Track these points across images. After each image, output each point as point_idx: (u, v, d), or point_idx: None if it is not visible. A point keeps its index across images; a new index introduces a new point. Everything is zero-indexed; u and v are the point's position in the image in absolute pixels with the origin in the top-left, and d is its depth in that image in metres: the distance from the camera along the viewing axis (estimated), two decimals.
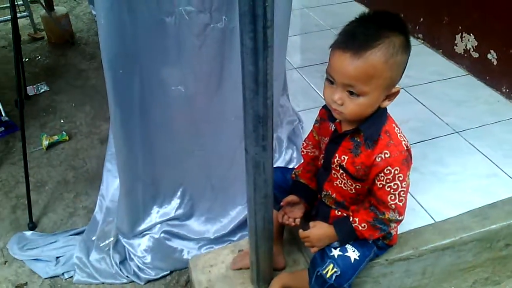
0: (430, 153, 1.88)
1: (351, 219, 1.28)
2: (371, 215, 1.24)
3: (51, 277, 1.84)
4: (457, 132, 2.00)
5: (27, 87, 3.01)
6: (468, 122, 2.05)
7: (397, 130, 1.20)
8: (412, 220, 1.58)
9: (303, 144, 1.49)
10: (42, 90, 3.04)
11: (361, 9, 3.11)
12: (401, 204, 1.21)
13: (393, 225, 1.26)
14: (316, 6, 3.30)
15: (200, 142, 1.74)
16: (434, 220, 1.60)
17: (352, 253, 1.30)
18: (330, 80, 1.13)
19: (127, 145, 1.67)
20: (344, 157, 1.25)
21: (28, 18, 3.77)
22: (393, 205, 1.20)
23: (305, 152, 1.48)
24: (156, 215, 1.85)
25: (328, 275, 1.27)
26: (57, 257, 1.88)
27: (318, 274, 1.29)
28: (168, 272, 1.82)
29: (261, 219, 1.31)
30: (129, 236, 1.84)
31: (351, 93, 1.10)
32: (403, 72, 1.14)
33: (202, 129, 1.71)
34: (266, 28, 0.95)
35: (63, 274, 1.84)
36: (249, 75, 1.03)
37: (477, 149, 1.90)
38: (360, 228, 1.26)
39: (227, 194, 1.87)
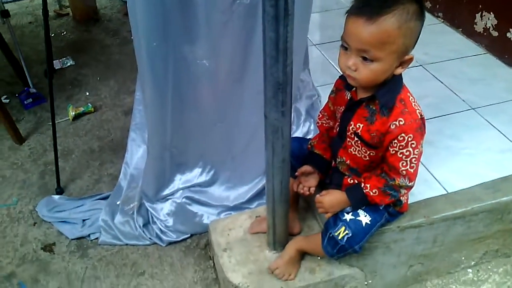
0: (446, 128, 1.91)
1: (362, 185, 1.33)
2: (382, 182, 1.30)
3: (77, 238, 1.95)
4: (473, 108, 2.03)
5: (54, 61, 3.10)
6: (484, 99, 2.08)
7: (411, 99, 1.25)
8: (424, 190, 1.63)
9: (318, 115, 1.54)
10: (68, 64, 3.14)
11: None
12: (412, 170, 1.25)
13: (403, 191, 1.31)
14: None
15: (223, 115, 1.80)
16: (447, 191, 1.65)
17: (364, 218, 1.36)
18: (344, 47, 1.18)
19: (158, 114, 1.75)
20: (359, 125, 1.29)
21: None
22: (404, 171, 1.25)
23: (320, 123, 1.53)
24: (178, 181, 1.93)
25: (340, 237, 1.34)
26: (84, 220, 1.98)
27: (331, 235, 1.36)
28: (189, 235, 1.91)
29: (278, 183, 1.38)
30: (152, 200, 1.93)
31: (364, 58, 1.14)
32: (417, 39, 1.17)
33: (224, 103, 1.77)
34: None
35: (89, 235, 1.94)
36: (270, 42, 1.08)
37: (492, 125, 1.93)
38: (371, 194, 1.31)
39: (247, 165, 1.93)
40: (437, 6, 2.76)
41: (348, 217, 1.36)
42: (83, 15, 3.76)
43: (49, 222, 2.02)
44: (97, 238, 1.93)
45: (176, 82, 1.67)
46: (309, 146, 1.54)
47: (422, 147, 1.25)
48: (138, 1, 1.46)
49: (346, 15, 1.16)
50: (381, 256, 1.59)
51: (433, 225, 1.56)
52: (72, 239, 1.94)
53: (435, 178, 1.70)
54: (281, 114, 1.21)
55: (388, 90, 1.22)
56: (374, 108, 1.25)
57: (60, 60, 3.16)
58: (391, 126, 1.21)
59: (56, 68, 3.08)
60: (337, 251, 1.36)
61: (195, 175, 1.94)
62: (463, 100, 2.08)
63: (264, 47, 1.11)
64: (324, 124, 1.52)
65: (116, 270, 1.82)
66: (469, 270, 1.78)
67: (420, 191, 1.61)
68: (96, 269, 1.83)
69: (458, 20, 2.63)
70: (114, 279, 1.79)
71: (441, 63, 2.36)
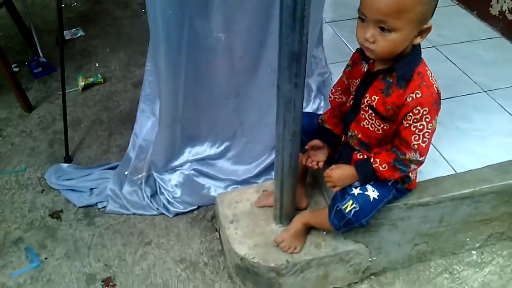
0: (457, 109, 1.90)
1: (372, 160, 1.33)
2: (392, 156, 1.29)
3: (85, 206, 1.97)
4: (485, 91, 2.01)
5: (64, 32, 3.08)
6: (497, 82, 2.06)
7: (429, 73, 1.24)
8: (433, 170, 1.62)
9: (331, 90, 1.54)
10: (78, 35, 3.13)
11: None
12: (423, 145, 1.24)
13: (413, 166, 1.30)
14: None
15: (236, 90, 1.79)
16: (455, 171, 1.64)
17: (372, 193, 1.36)
18: (362, 19, 1.16)
19: (170, 85, 1.74)
20: (374, 97, 1.28)
21: None
22: (415, 145, 1.24)
23: (332, 98, 1.53)
24: (188, 154, 1.94)
25: (347, 210, 1.34)
26: (91, 189, 1.99)
27: (338, 208, 1.36)
28: (196, 207, 1.93)
29: (288, 155, 1.38)
30: (161, 171, 1.94)
31: (382, 29, 1.13)
32: (435, 8, 1.15)
33: (239, 78, 1.76)
34: None
35: (96, 204, 1.96)
36: (287, 9, 1.07)
37: (504, 108, 1.91)
38: (380, 168, 1.31)
39: (256, 141, 1.93)
40: None
41: (356, 191, 1.36)
42: None
43: (57, 190, 2.04)
44: (104, 207, 1.95)
45: (190, 53, 1.65)
46: (320, 120, 1.54)
47: (436, 123, 1.24)
48: None
49: None
50: (387, 233, 1.59)
51: (440, 204, 1.56)
52: (79, 207, 1.96)
53: (444, 158, 1.69)
54: (294, 85, 1.21)
55: (406, 62, 1.21)
56: (391, 80, 1.24)
57: (70, 30, 3.15)
58: (408, 98, 1.20)
59: (66, 38, 3.07)
60: (344, 225, 1.37)
61: (205, 149, 1.95)
62: (475, 82, 2.07)
63: (281, 15, 1.10)
64: (336, 99, 1.51)
65: (123, 238, 1.84)
66: (474, 251, 1.79)
67: (429, 170, 1.61)
68: (103, 237, 1.85)
69: (474, 2, 2.59)
70: (120, 247, 1.81)
71: (455, 45, 2.33)
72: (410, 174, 1.41)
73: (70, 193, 2.00)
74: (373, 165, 1.32)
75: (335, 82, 1.52)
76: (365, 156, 1.39)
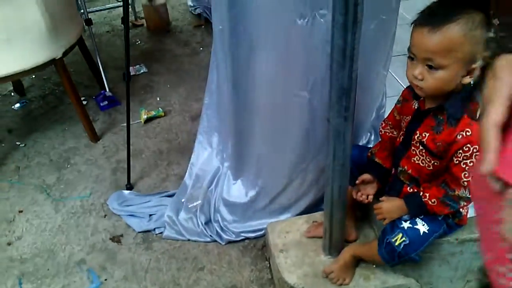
0: None
1: (421, 194, 1.35)
2: (442, 192, 1.31)
3: (144, 231, 2.07)
4: None
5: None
6: None
7: None
8: None
9: (381, 124, 1.57)
10: (141, 71, 3.33)
11: None
12: None
13: (462, 202, 1.32)
14: None
15: (313, 154, 1.79)
16: None
17: (422, 227, 1.38)
18: (411, 57, 1.22)
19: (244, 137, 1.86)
20: (425, 134, 1.31)
21: (130, 6, 4.10)
22: (465, 182, 1.25)
23: (383, 132, 1.56)
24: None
25: (396, 243, 1.36)
26: (150, 215, 2.10)
27: (387, 241, 1.38)
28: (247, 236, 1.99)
29: (337, 187, 1.43)
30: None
31: (430, 67, 1.17)
32: None
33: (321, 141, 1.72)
34: (356, 5, 1.06)
35: (154, 229, 2.06)
36: (338, 48, 1.15)
37: None
38: (430, 203, 1.33)
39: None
40: None
41: (405, 225, 1.38)
42: (156, 26, 3.98)
43: (118, 215, 2.16)
44: (161, 233, 2.04)
45: (268, 113, 1.68)
46: (369, 154, 1.57)
47: None
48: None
49: (411, 26, 1.20)
50: (437, 268, 1.58)
51: None
52: (138, 232, 2.07)
53: None
54: (344, 119, 1.27)
55: (456, 101, 1.23)
56: (441, 118, 1.27)
57: (134, 67, 3.36)
58: (458, 136, 1.22)
59: (131, 74, 3.27)
60: (393, 258, 1.39)
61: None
62: None
63: (332, 53, 1.17)
64: (387, 133, 1.55)
65: (177, 263, 1.92)
66: None
67: None
68: (159, 262, 1.94)
69: None
70: (175, 272, 1.89)
71: None
72: (460, 209, 1.42)
73: (130, 218, 2.12)
74: (423, 199, 1.34)
75: (386, 116, 1.56)
76: (415, 190, 1.41)
